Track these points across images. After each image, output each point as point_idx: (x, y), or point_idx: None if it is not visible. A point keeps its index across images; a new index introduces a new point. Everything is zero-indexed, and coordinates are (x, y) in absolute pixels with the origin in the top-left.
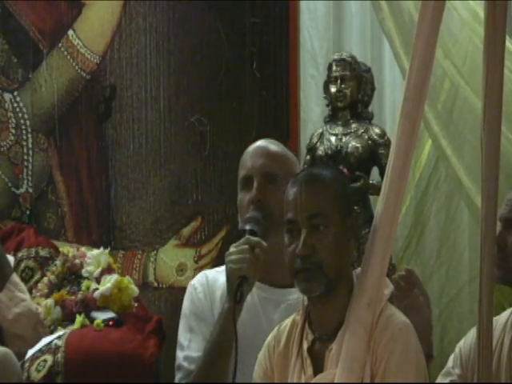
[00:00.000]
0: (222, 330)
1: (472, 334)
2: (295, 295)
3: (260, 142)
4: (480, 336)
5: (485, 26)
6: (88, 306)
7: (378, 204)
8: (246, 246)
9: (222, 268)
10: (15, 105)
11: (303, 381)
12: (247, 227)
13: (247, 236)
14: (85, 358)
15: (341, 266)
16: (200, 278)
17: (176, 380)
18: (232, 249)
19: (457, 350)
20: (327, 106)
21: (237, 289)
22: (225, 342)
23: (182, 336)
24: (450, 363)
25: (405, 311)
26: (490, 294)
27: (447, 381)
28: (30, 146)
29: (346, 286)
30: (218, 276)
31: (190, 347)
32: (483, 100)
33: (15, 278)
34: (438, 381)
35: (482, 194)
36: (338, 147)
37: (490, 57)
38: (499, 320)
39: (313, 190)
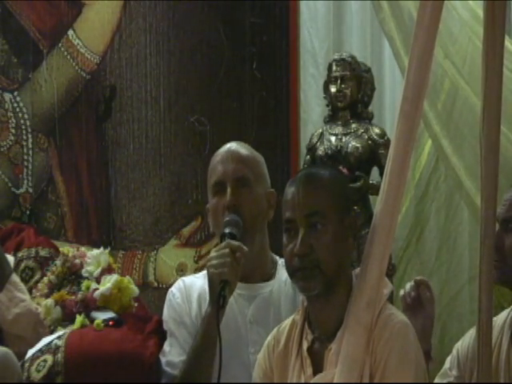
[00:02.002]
0: (205, 334)
1: (470, 335)
2: (268, 289)
3: (228, 146)
4: (480, 336)
5: (484, 25)
6: (88, 306)
7: (377, 204)
8: (227, 250)
9: (200, 274)
10: (15, 105)
11: (303, 381)
12: (227, 230)
13: (228, 240)
14: (85, 358)
15: (339, 265)
16: (177, 284)
17: None
18: (213, 253)
19: (454, 351)
20: (327, 105)
21: (219, 293)
22: (208, 346)
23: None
24: (447, 364)
25: (410, 307)
26: (490, 293)
27: (445, 381)
28: (30, 145)
29: (345, 286)
30: (195, 280)
31: (171, 352)
32: (482, 100)
33: (15, 278)
34: (435, 381)
35: (482, 193)
36: (338, 147)
37: (489, 57)
38: (497, 320)
39: (310, 189)
